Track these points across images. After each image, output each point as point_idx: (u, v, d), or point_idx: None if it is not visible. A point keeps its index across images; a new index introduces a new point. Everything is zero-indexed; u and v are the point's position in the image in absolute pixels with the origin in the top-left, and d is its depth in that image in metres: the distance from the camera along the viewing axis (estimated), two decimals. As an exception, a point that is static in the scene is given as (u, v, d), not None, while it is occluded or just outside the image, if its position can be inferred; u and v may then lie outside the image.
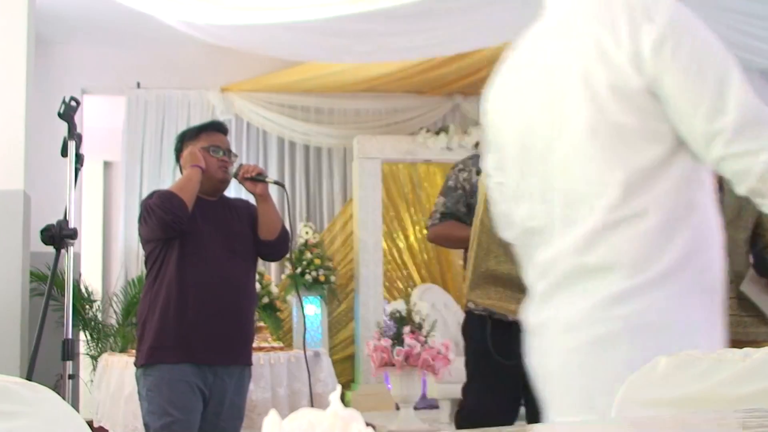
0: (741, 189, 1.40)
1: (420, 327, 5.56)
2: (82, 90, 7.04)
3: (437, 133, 7.81)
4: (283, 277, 7.42)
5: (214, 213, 3.10)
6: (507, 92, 1.65)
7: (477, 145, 3.49)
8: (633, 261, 1.44)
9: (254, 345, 3.36)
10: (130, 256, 7.20)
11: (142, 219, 3.04)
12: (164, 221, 2.93)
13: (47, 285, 2.89)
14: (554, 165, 1.52)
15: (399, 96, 8.02)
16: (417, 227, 8.52)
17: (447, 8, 5.34)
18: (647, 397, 1.16)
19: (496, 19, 5.42)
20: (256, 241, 3.13)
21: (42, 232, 2.90)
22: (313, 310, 7.52)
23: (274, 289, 7.14)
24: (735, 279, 2.49)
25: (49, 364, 3.81)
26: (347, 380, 7.52)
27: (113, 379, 4.03)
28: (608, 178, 1.45)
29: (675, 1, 1.46)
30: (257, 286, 5.47)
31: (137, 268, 7.01)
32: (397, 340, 5.50)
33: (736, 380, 1.10)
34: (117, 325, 6.48)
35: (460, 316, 5.41)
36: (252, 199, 3.21)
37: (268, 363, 4.06)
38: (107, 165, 8.40)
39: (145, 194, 6.27)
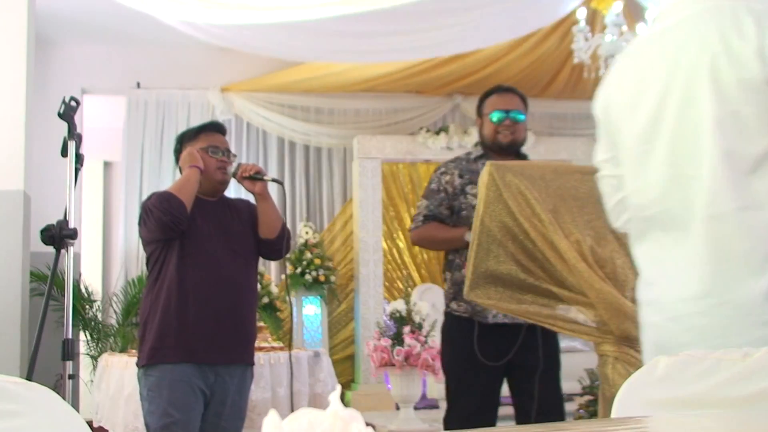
0: None
1: (420, 327, 5.56)
2: (82, 90, 7.04)
3: (437, 133, 7.81)
4: (283, 277, 7.42)
5: (215, 213, 3.10)
6: (627, 89, 1.74)
7: (477, 144, 3.48)
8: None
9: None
10: (130, 256, 7.20)
11: (142, 221, 3.04)
12: (163, 222, 2.93)
13: (47, 285, 2.88)
14: (681, 154, 1.61)
15: (399, 96, 8.02)
16: (417, 227, 8.51)
17: (447, 8, 5.34)
18: (647, 397, 1.15)
19: (496, 19, 5.42)
20: (256, 240, 3.14)
21: (42, 232, 2.90)
22: (313, 310, 7.52)
23: (274, 289, 7.14)
24: None
25: (49, 364, 3.80)
26: (347, 380, 7.52)
27: (113, 380, 4.03)
28: (731, 165, 1.55)
29: None
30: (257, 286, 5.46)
31: (137, 268, 7.01)
32: (397, 340, 5.50)
33: (736, 380, 1.10)
34: (117, 325, 6.47)
35: (460, 316, 5.40)
36: (252, 199, 3.21)
37: (268, 363, 4.06)
38: (107, 165, 8.41)
39: (145, 194, 6.28)
